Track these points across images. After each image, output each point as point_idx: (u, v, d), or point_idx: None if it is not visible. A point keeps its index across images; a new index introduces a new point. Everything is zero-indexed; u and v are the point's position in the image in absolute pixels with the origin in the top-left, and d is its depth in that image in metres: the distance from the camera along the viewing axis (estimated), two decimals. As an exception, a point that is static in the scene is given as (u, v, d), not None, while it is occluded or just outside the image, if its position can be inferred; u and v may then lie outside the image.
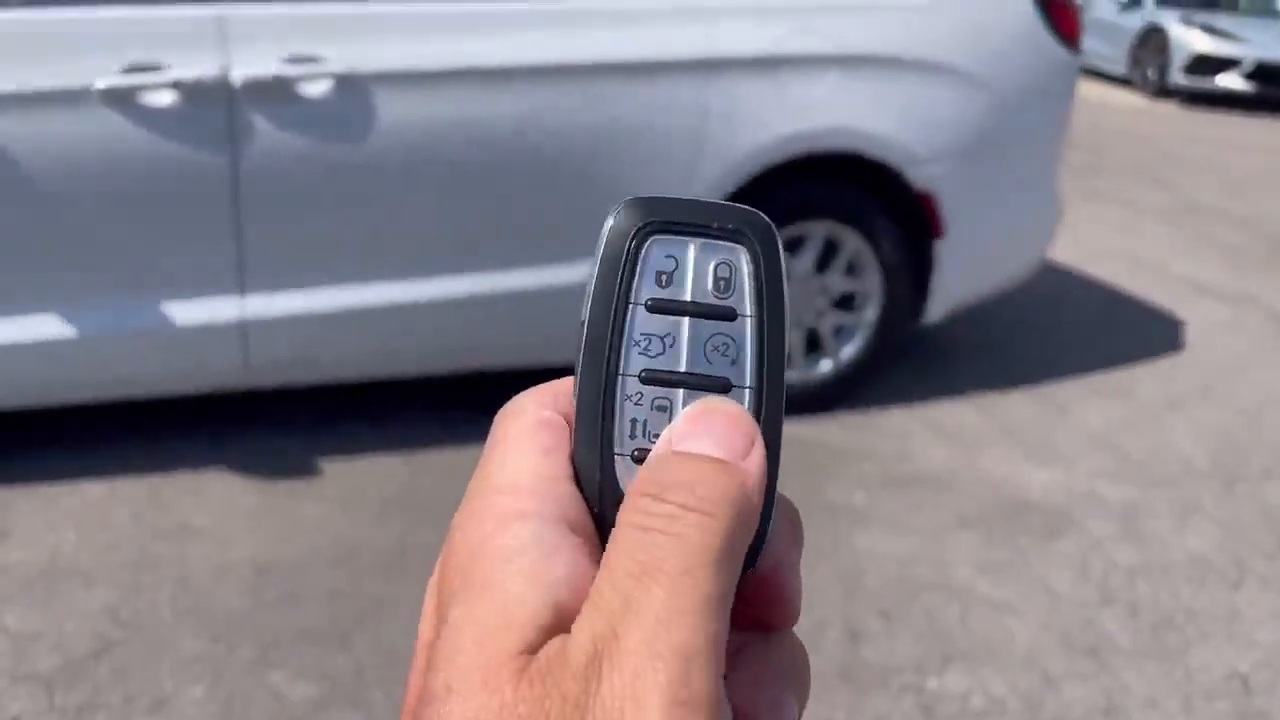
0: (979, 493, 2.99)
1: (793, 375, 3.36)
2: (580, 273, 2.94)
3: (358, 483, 2.82)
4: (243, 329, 2.72)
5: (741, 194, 3.07)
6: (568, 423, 0.34)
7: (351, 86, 2.63)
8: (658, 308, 0.33)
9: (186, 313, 2.67)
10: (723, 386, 0.33)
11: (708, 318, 0.33)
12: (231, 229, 2.64)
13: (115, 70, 2.46)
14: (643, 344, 0.33)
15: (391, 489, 2.80)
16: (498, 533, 0.31)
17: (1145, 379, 3.82)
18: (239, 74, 2.53)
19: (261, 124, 2.58)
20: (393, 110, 2.68)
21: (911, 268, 3.39)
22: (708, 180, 2.98)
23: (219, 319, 2.69)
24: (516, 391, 0.36)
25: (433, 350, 2.98)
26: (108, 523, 2.59)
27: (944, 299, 3.48)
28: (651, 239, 0.34)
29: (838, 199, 3.26)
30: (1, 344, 2.55)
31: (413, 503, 2.75)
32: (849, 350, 3.41)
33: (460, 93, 2.74)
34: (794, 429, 3.18)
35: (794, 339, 3.34)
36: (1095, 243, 5.48)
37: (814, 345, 3.40)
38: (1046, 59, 3.40)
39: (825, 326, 3.37)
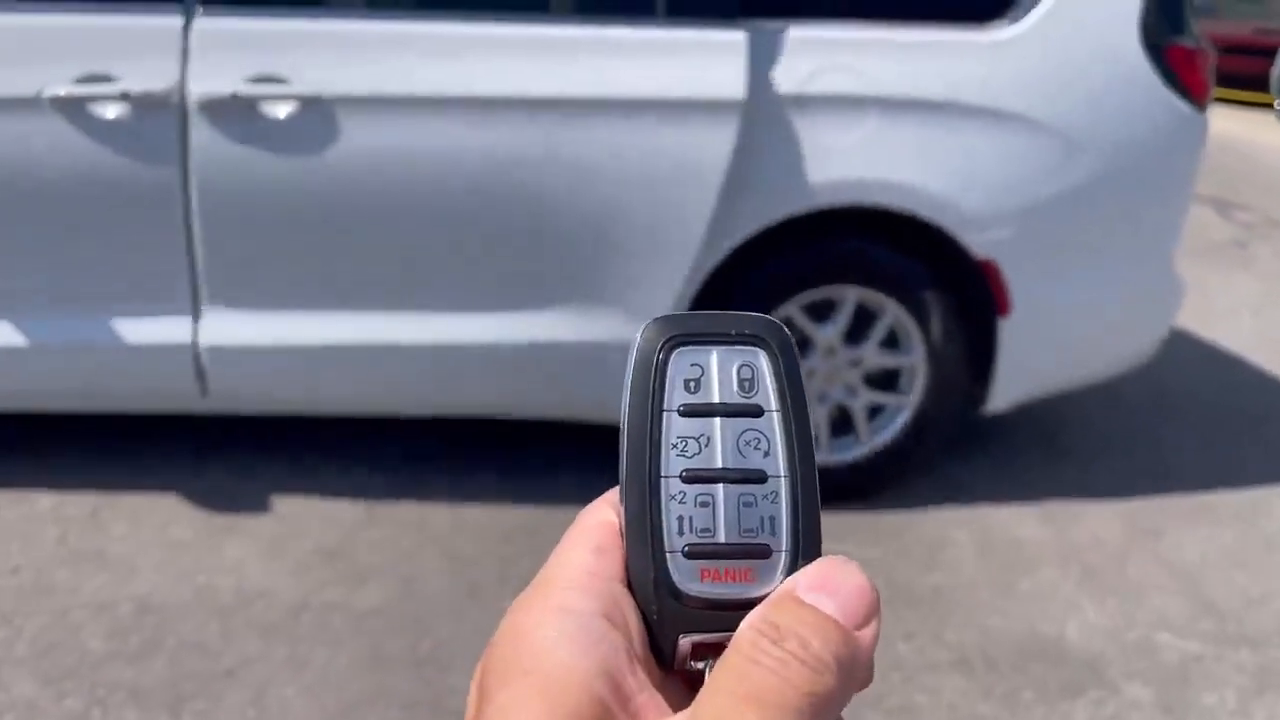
0: (999, 624, 2.48)
1: (818, 458, 2.94)
2: (560, 327, 2.66)
3: (295, 527, 2.64)
4: (196, 352, 2.60)
5: (752, 246, 2.71)
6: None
7: (317, 109, 2.47)
8: (690, 411, 0.37)
9: (137, 331, 2.58)
10: (759, 478, 0.36)
11: (737, 415, 0.37)
12: (183, 247, 2.53)
13: (68, 79, 2.40)
14: (680, 446, 0.36)
15: (329, 539, 2.61)
16: (544, 623, 0.33)
17: (1274, 507, 3.13)
18: (196, 89, 2.42)
19: (217, 141, 2.45)
20: (359, 136, 2.50)
21: (968, 347, 2.91)
22: (719, 229, 2.63)
23: (171, 339, 2.59)
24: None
25: (396, 393, 2.77)
26: (31, 539, 2.52)
27: (1012, 387, 2.96)
28: (676, 350, 0.37)
29: (874, 261, 2.83)
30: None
31: (341, 556, 2.55)
32: (885, 435, 2.96)
33: (438, 122, 2.53)
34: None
35: (818, 416, 2.93)
36: (1227, 323, 4.66)
37: (845, 426, 2.96)
38: (1158, 114, 2.82)
39: (858, 406, 2.93)
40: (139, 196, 2.48)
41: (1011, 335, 2.88)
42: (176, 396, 2.68)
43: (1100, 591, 2.65)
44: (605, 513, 0.37)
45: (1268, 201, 7.13)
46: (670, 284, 2.63)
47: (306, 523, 2.65)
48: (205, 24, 2.45)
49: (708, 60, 2.56)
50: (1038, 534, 2.89)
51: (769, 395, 0.37)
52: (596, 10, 2.66)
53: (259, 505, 2.71)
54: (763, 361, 0.37)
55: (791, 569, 0.36)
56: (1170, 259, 3.05)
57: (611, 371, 2.64)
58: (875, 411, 2.97)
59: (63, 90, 2.39)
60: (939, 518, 2.92)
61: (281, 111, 2.46)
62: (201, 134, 2.45)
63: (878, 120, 2.68)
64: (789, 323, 2.83)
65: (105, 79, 2.41)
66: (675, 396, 0.36)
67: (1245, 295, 5.11)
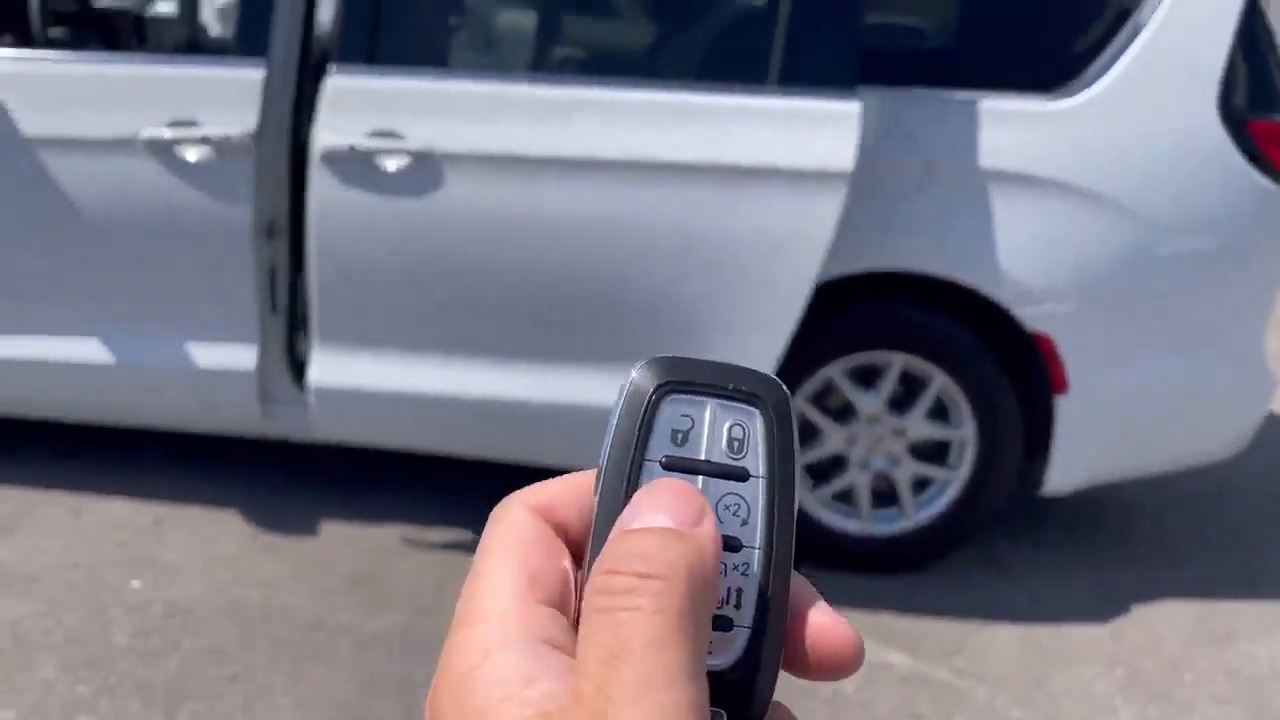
0: (1016, 718, 2.35)
1: (854, 525, 2.88)
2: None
3: (331, 551, 2.76)
4: (261, 379, 2.78)
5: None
6: (559, 531, 0.35)
7: (427, 165, 2.55)
8: (672, 465, 0.35)
9: (206, 355, 2.78)
10: (734, 545, 0.34)
11: (721, 477, 0.35)
12: (256, 280, 2.72)
13: (160, 122, 2.64)
14: None
15: (360, 564, 2.72)
16: (483, 662, 0.31)
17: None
18: (321, 140, 2.55)
19: (335, 188, 2.58)
20: (464, 191, 2.58)
21: (1024, 425, 2.79)
22: (768, 289, 2.59)
23: (238, 365, 2.77)
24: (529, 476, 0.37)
25: (483, 440, 2.84)
26: (98, 542, 2.73)
27: (1072, 470, 2.82)
28: (669, 397, 0.35)
29: (923, 328, 2.77)
30: (40, 360, 2.80)
31: (368, 582, 2.65)
32: (930, 510, 2.86)
33: (539, 182, 2.58)
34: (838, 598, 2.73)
35: (862, 482, 2.86)
36: None
37: (890, 496, 2.88)
38: (1236, 192, 2.67)
39: (902, 477, 2.85)
40: (213, 233, 2.69)
41: (1070, 415, 2.75)
42: (236, 421, 2.86)
43: (1144, 695, 2.47)
44: (525, 522, 0.35)
45: None
46: (773, 349, 2.57)
47: (342, 547, 2.77)
48: (335, 81, 2.57)
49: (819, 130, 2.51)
50: (1089, 628, 2.72)
51: (758, 460, 0.35)
52: (709, 76, 2.70)
53: (303, 527, 2.85)
54: (757, 423, 0.35)
55: (751, 647, 0.34)
56: (1257, 347, 2.85)
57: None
58: (923, 485, 2.88)
59: (154, 133, 2.63)
60: (981, 597, 2.79)
61: (393, 165, 2.56)
62: (322, 181, 2.58)
63: (935, 187, 2.65)
64: (831, 386, 2.80)
65: (189, 124, 2.64)
66: (660, 446, 0.35)
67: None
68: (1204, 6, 2.67)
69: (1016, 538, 3.08)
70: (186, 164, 2.64)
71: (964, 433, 2.80)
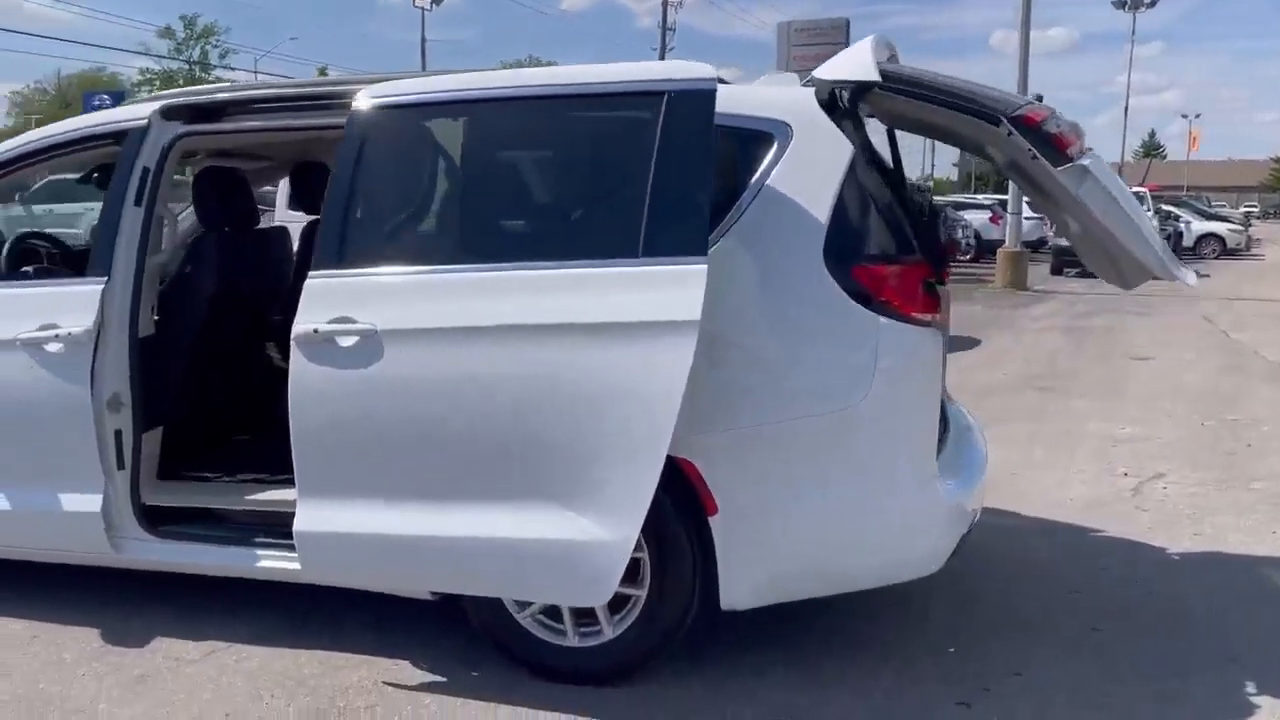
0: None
1: (567, 642, 3.23)
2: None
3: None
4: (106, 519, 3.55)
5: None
6: None
7: (373, 341, 3.04)
8: None
9: (69, 501, 3.59)
10: None
11: None
12: (99, 441, 3.52)
13: (33, 327, 3.55)
14: None
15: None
16: None
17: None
18: (297, 328, 3.07)
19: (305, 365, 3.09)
20: (400, 361, 3.02)
21: (694, 545, 3.11)
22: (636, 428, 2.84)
23: (87, 508, 3.55)
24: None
25: (429, 576, 3.18)
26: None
27: (741, 585, 3.10)
28: None
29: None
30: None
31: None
32: (624, 625, 3.18)
33: (451, 349, 2.98)
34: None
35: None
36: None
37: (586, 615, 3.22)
38: (844, 329, 3.00)
39: (597, 594, 3.19)
40: (67, 406, 3.52)
41: (724, 535, 3.07)
42: (90, 552, 3.63)
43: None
44: None
45: None
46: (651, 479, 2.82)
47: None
48: (310, 283, 3.14)
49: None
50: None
51: None
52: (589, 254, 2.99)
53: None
54: None
55: None
56: (914, 470, 3.08)
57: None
58: (624, 601, 3.20)
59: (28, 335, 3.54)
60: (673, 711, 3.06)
61: (348, 342, 3.07)
62: (299, 361, 3.10)
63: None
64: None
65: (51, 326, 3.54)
66: None
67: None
68: (811, 173, 3.07)
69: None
70: (49, 355, 3.53)
71: (644, 553, 3.15)
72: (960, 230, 23.09)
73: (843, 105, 3.18)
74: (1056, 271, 21.44)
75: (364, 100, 3.25)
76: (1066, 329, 12.32)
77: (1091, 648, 3.48)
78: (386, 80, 3.35)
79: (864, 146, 3.18)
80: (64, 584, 3.91)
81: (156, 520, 3.68)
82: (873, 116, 3.48)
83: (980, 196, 29.31)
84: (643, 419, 2.82)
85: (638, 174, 2.96)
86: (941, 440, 3.66)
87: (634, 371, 2.83)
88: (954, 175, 75.17)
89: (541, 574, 3.00)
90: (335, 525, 3.17)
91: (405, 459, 3.08)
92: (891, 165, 3.40)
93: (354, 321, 3.09)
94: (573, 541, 2.91)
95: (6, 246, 4.18)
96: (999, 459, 5.83)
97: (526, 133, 3.20)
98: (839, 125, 3.12)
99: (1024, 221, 28.79)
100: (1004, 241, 19.86)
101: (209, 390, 4.19)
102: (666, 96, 2.97)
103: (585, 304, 2.90)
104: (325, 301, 3.14)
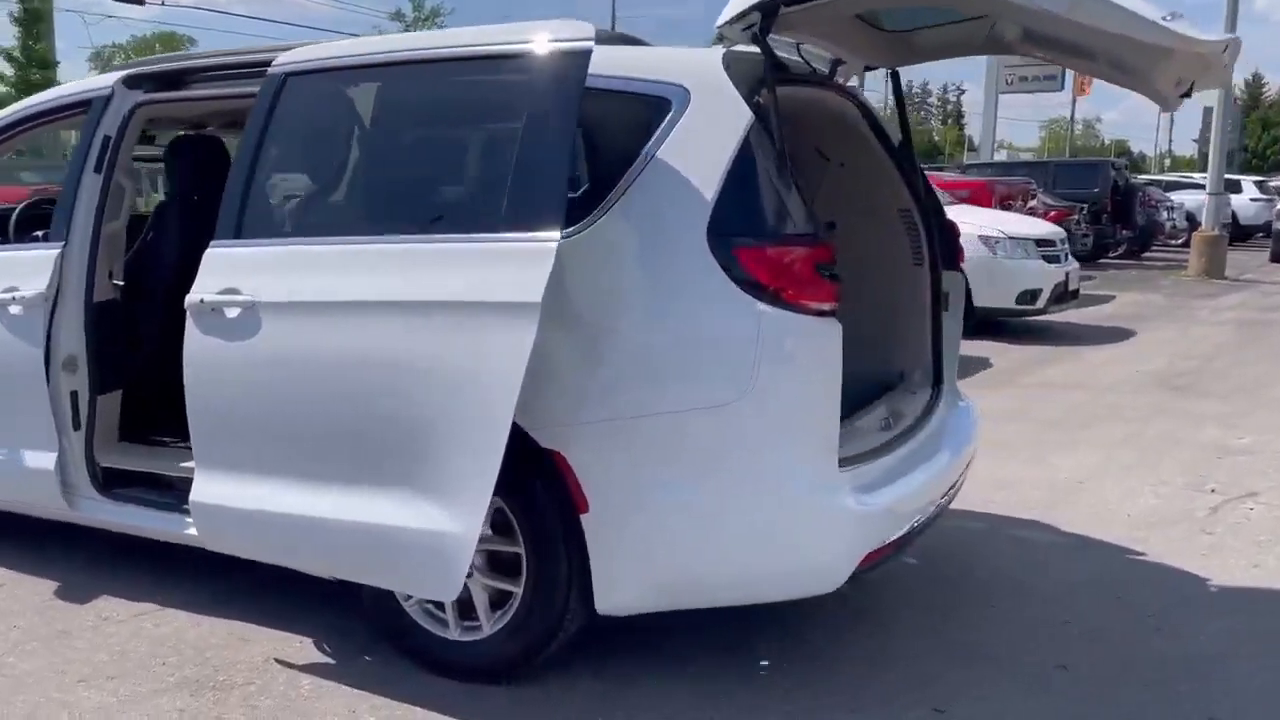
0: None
1: (450, 635, 3.09)
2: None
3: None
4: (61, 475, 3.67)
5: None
6: None
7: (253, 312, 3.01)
8: None
9: (29, 458, 3.73)
10: None
11: None
12: (55, 401, 3.64)
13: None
14: None
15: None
16: None
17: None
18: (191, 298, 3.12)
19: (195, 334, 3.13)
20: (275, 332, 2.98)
21: (568, 543, 2.90)
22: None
23: (43, 465, 3.68)
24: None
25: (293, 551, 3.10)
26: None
27: (618, 589, 2.87)
28: None
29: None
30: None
31: None
32: (502, 622, 3.01)
33: (317, 322, 2.91)
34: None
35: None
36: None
37: (470, 609, 3.06)
38: (728, 316, 2.69)
39: (476, 588, 3.03)
40: (27, 366, 3.65)
41: (597, 535, 2.84)
42: (47, 507, 3.76)
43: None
44: None
45: None
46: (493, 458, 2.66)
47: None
48: (209, 253, 3.18)
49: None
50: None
51: None
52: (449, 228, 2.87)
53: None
54: None
55: None
56: (808, 476, 2.76)
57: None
58: (507, 597, 3.03)
59: (-2, 296, 3.70)
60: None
61: (233, 313, 3.07)
62: (190, 330, 3.14)
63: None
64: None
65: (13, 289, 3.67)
66: None
67: None
68: (703, 142, 2.78)
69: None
70: (11, 316, 3.67)
71: (520, 549, 2.96)
72: (1166, 212, 21.25)
73: (760, 39, 2.86)
74: (1277, 259, 19.44)
75: (271, 68, 3.19)
76: (1244, 323, 11.09)
77: (1054, 688, 3.04)
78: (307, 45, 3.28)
79: (779, 112, 2.84)
80: (46, 535, 4.08)
81: (112, 482, 3.78)
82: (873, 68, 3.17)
83: (1197, 176, 26.78)
84: (479, 407, 2.64)
85: (508, 142, 2.77)
86: (901, 441, 3.32)
87: (470, 355, 2.65)
88: (1193, 152, 69.31)
89: (397, 562, 2.87)
90: (223, 498, 3.15)
91: (279, 435, 3.02)
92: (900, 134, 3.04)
93: (238, 293, 3.04)
94: (422, 530, 2.76)
95: (17, 212, 4.38)
96: (1073, 464, 5.31)
97: (402, 100, 3.07)
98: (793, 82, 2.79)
99: (1249, 204, 26.21)
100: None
101: (172, 356, 4.27)
102: (538, 58, 2.75)
103: (431, 281, 2.74)
104: (218, 272, 3.11)
